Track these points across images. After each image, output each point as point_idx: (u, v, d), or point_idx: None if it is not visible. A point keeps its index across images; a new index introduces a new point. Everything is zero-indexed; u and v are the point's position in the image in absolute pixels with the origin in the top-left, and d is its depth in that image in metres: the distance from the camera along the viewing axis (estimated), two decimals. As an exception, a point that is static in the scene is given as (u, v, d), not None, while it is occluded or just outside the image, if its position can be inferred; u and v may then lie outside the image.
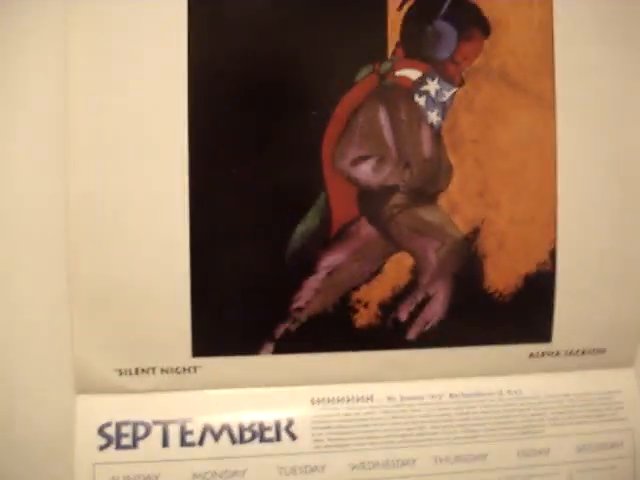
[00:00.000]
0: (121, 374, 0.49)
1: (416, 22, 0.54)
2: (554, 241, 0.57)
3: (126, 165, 0.51)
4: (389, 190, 0.55)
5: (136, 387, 0.50)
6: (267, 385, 0.52)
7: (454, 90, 0.56)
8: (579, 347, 0.58)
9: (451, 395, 0.55)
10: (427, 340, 0.56)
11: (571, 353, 0.57)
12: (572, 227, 0.58)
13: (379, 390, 0.54)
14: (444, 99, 0.55)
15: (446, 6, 0.54)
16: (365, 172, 0.54)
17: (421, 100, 0.55)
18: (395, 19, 0.54)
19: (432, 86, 0.55)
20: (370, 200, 0.55)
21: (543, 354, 0.57)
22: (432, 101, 0.55)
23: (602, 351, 0.57)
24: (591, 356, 0.57)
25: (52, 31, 0.50)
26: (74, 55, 0.50)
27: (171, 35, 0.51)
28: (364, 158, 0.54)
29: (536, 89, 0.57)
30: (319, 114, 0.53)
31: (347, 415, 0.52)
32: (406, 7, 0.54)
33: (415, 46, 0.55)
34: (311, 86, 0.53)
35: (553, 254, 0.57)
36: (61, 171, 0.50)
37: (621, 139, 0.59)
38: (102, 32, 0.50)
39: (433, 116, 0.55)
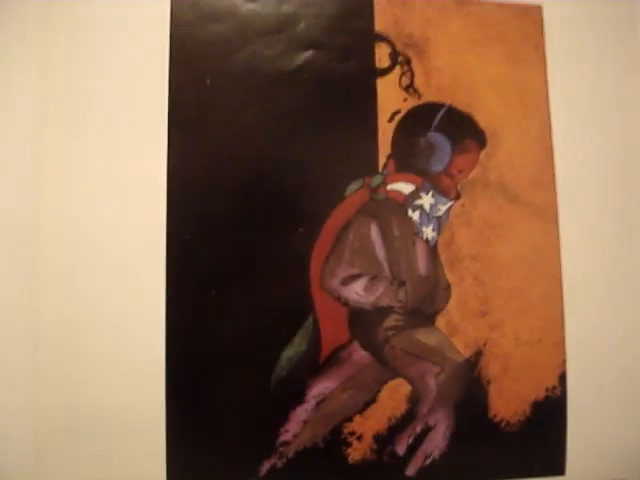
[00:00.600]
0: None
1: (408, 134, 0.52)
2: (563, 363, 0.54)
3: (96, 285, 0.49)
4: (383, 311, 0.52)
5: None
6: None
7: (450, 204, 0.54)
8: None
9: None
10: (428, 475, 0.52)
11: None
12: (583, 347, 0.55)
13: None
14: (439, 213, 0.53)
15: (439, 117, 0.52)
16: (356, 292, 0.52)
17: (415, 215, 0.53)
18: (386, 131, 0.52)
19: (426, 200, 0.53)
20: (362, 322, 0.52)
21: None
22: (427, 216, 0.53)
23: (622, 483, 0.54)
24: (610, 490, 0.54)
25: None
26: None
27: (150, 148, 0.50)
28: (355, 277, 0.52)
29: (537, 202, 0.55)
30: (307, 231, 0.51)
31: None
32: (397, 118, 0.52)
33: (407, 159, 0.53)
34: (298, 201, 0.51)
35: (563, 377, 0.54)
36: (30, 293, 0.48)
37: (632, 250, 0.56)
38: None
39: (428, 231, 0.53)
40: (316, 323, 0.51)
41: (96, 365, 0.48)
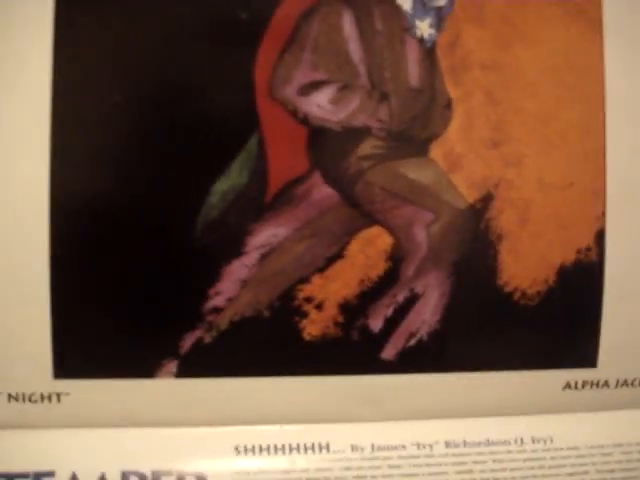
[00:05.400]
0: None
1: None
2: (602, 216, 0.41)
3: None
4: (356, 133, 0.39)
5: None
6: (167, 424, 0.38)
7: None
8: (637, 375, 0.43)
9: (447, 444, 0.41)
10: (412, 361, 0.40)
11: (625, 384, 0.43)
12: (630, 195, 0.41)
13: (339, 435, 0.40)
14: (440, 3, 0.39)
15: None
16: (320, 105, 0.38)
17: (406, 3, 0.39)
18: None
19: None
20: (327, 147, 0.38)
21: (584, 384, 0.42)
22: (422, 5, 0.39)
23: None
24: (655, 389, 0.42)
25: None
26: None
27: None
28: (319, 84, 0.38)
29: None
30: (250, 18, 0.37)
31: (288, 471, 0.38)
32: None
33: None
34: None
35: (601, 236, 0.41)
36: None
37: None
38: None
39: (424, 27, 0.39)
40: (262, 146, 0.38)
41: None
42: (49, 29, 0.36)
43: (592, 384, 0.43)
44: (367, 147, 0.39)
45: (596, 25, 0.41)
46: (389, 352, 0.40)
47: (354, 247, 0.39)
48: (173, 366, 0.38)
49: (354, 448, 0.40)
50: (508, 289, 0.41)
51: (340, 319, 0.39)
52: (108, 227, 0.37)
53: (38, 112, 0.36)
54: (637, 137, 0.42)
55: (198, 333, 0.38)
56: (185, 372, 0.38)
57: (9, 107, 0.36)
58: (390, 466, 0.39)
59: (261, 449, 0.39)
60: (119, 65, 0.37)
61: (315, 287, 0.39)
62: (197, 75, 0.38)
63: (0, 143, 0.37)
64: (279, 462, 0.39)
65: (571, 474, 0.41)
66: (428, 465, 0.40)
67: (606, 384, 0.43)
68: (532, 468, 0.41)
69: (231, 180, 0.38)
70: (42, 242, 0.36)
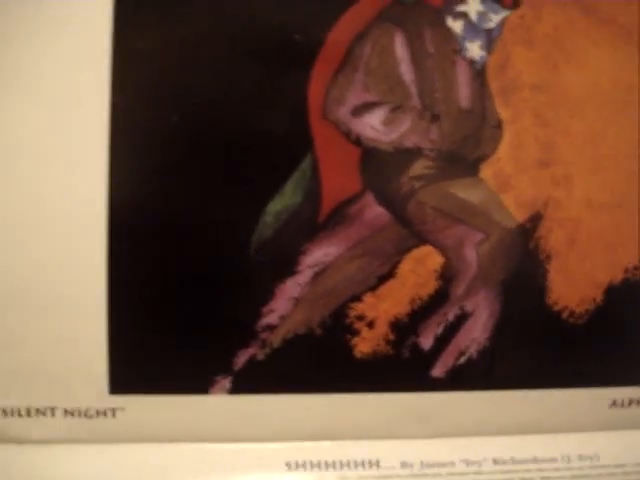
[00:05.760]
0: (5, 415, 0.37)
1: None
2: None
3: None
4: (408, 154, 0.39)
5: (26, 435, 0.37)
6: (220, 440, 0.39)
7: (505, 13, 0.39)
8: None
9: (495, 461, 0.41)
10: (461, 379, 0.40)
11: None
12: None
13: (389, 451, 0.40)
14: (490, 25, 0.39)
15: None
16: (372, 126, 0.38)
17: (457, 25, 0.39)
18: None
19: (473, 5, 0.39)
20: (379, 167, 0.39)
21: (630, 402, 0.43)
22: (473, 28, 0.39)
23: None
24: None
25: None
26: None
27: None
28: (371, 105, 0.38)
29: (624, 19, 0.41)
30: (305, 41, 0.37)
31: None
32: None
33: (449, -53, 0.38)
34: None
35: None
36: None
37: None
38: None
39: (474, 48, 0.39)
40: (316, 166, 0.38)
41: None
42: (107, 51, 0.37)
43: (639, 402, 0.42)
44: (418, 167, 0.39)
45: (642, 44, 0.41)
46: (439, 370, 0.40)
47: (405, 267, 0.39)
48: (227, 382, 0.38)
49: (403, 465, 0.40)
50: (556, 308, 0.41)
51: (391, 337, 0.39)
52: (165, 245, 0.37)
53: (97, 130, 0.36)
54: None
55: (251, 350, 0.38)
56: (238, 389, 0.38)
57: (69, 124, 0.36)
58: (439, 482, 0.40)
59: (312, 465, 0.39)
60: (176, 84, 0.37)
61: (367, 306, 0.39)
62: (252, 96, 0.38)
63: (60, 160, 0.37)
64: (330, 478, 0.39)
65: (618, 492, 0.41)
66: (477, 482, 0.40)
67: (652, 402, 0.43)
68: (578, 485, 0.41)
69: (285, 200, 0.38)
70: (100, 257, 0.37)
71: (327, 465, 0.39)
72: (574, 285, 0.41)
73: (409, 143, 0.39)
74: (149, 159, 0.37)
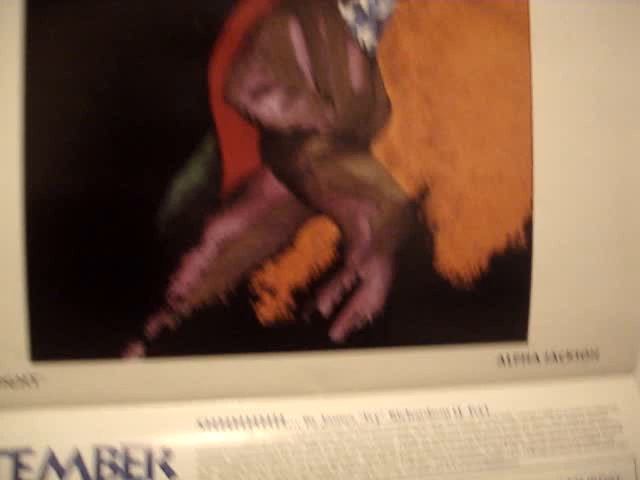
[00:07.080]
0: None
1: None
2: (530, 207, 0.44)
3: None
4: (304, 133, 0.41)
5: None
6: (135, 402, 0.41)
7: (394, 2, 0.42)
8: (563, 349, 0.46)
9: (392, 414, 0.44)
10: (358, 340, 0.43)
11: (553, 357, 0.46)
12: (555, 188, 0.44)
13: (292, 408, 0.43)
14: (380, 14, 0.42)
15: None
16: (270, 108, 0.41)
17: (348, 13, 0.42)
18: None
19: None
20: (277, 146, 0.41)
21: (516, 358, 0.46)
22: (363, 15, 0.42)
23: (594, 354, 0.47)
24: (579, 361, 0.46)
25: None
26: None
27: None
28: (269, 88, 0.40)
29: (504, 6, 0.43)
30: (205, 28, 0.40)
31: (247, 443, 0.41)
32: None
33: (340, -62, 0.40)
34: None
35: (528, 225, 0.44)
36: None
37: (612, 71, 0.45)
38: None
39: (365, 35, 0.42)
40: (217, 146, 0.40)
41: None
42: (18, 38, 0.38)
43: (523, 358, 0.46)
44: (314, 146, 0.42)
45: (524, 31, 0.44)
46: (337, 333, 0.43)
47: (304, 238, 0.42)
48: (140, 348, 0.41)
49: (306, 419, 0.43)
50: (445, 275, 0.44)
51: (292, 304, 0.42)
52: (78, 218, 0.39)
53: (8, 114, 0.38)
54: (562, 134, 0.45)
55: (163, 318, 0.41)
56: (151, 354, 0.41)
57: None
58: (339, 436, 0.42)
59: (222, 422, 0.42)
60: (82, 70, 0.39)
61: (268, 275, 0.42)
62: (156, 80, 0.40)
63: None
64: (239, 435, 0.42)
65: (503, 440, 0.45)
66: (374, 434, 0.43)
67: (536, 358, 0.46)
68: (468, 435, 0.44)
69: (190, 178, 0.40)
70: (16, 231, 0.38)
71: (236, 422, 0.42)
72: (460, 252, 0.44)
73: (305, 123, 0.42)
74: (62, 141, 0.39)
